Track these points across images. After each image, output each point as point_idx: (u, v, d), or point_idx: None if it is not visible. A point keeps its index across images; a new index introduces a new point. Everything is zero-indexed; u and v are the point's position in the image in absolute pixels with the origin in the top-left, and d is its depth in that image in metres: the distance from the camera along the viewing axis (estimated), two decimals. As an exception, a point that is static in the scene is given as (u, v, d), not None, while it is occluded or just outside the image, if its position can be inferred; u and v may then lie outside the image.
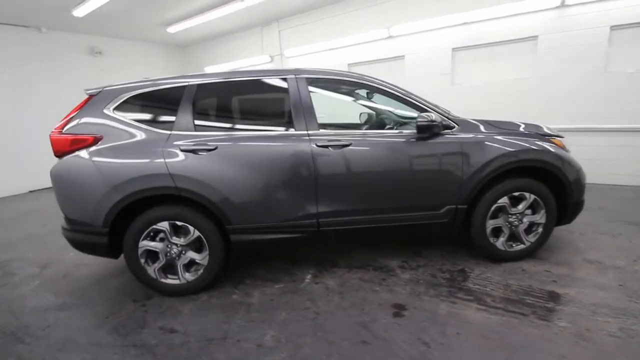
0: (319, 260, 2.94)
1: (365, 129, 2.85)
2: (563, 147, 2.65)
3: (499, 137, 2.49)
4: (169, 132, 2.34)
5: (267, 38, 7.71)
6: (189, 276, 2.44)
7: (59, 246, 3.63)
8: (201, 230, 2.36)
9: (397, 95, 2.50)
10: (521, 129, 2.64)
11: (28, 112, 6.73)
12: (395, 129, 2.65)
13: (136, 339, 2.03)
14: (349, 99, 3.17)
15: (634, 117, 4.38)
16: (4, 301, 2.59)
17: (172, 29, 7.28)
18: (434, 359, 1.76)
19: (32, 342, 2.07)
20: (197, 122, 2.38)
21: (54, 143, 2.32)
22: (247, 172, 2.32)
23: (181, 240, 2.38)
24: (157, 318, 2.24)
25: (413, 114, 2.58)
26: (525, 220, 2.62)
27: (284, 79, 2.46)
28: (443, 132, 2.45)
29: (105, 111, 2.36)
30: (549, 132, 2.70)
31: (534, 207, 2.61)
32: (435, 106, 2.55)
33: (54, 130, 2.35)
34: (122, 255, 2.52)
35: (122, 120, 2.34)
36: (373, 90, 2.55)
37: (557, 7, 4.56)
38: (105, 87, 2.43)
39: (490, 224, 2.59)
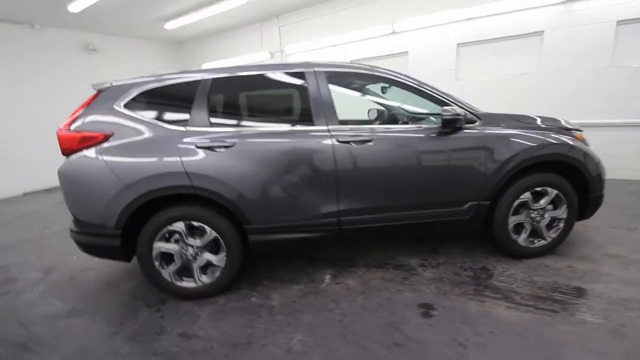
0: (335, 259, 2.86)
1: (386, 124, 2.78)
2: (584, 141, 2.62)
3: (523, 131, 2.45)
4: (183, 128, 2.23)
5: (267, 34, 7.58)
6: (205, 279, 2.34)
7: (61, 249, 3.50)
8: (218, 230, 2.26)
9: (421, 90, 2.43)
10: (538, 123, 2.60)
11: (20, 111, 6.50)
12: (414, 124, 2.59)
13: (156, 347, 1.93)
14: (368, 93, 3.09)
15: (638, 112, 4.39)
16: (8, 310, 2.46)
17: (169, 25, 7.10)
18: (473, 359, 1.70)
19: (45, 352, 1.95)
20: (212, 118, 2.28)
21: (61, 141, 2.20)
22: (266, 170, 2.23)
23: (197, 242, 2.28)
24: (175, 323, 2.14)
25: (430, 108, 2.52)
26: (546, 215, 2.58)
27: (302, 73, 2.37)
28: (466, 126, 2.39)
29: (115, 107, 2.24)
30: (568, 126, 2.67)
31: (555, 203, 2.58)
32: (458, 100, 2.49)
33: (61, 128, 2.23)
34: (132, 258, 2.42)
35: (133, 117, 2.23)
36: (396, 84, 2.46)
37: (562, 2, 4.55)
38: (114, 82, 2.32)
39: (513, 220, 2.54)
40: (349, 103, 2.87)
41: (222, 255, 2.31)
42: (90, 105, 2.26)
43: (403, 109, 3.13)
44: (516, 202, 2.50)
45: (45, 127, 6.73)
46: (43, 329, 2.19)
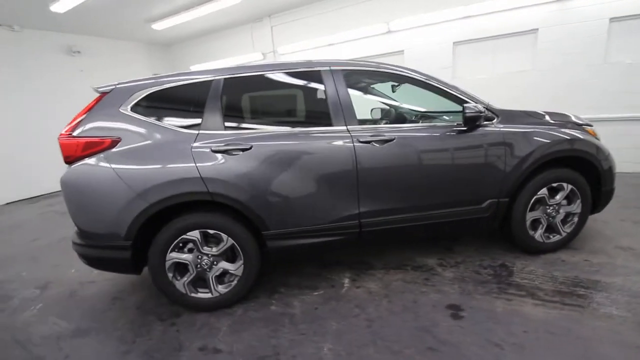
0: (350, 262, 2.79)
1: (394, 124, 2.73)
2: (595, 136, 2.64)
3: (540, 127, 2.44)
4: (196, 131, 2.12)
5: (259, 34, 7.46)
6: (221, 289, 2.23)
7: (56, 262, 3.31)
8: (235, 238, 2.15)
9: (439, 88, 2.39)
10: (546, 119, 2.60)
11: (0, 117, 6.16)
12: (425, 122, 2.55)
13: (177, 364, 1.81)
14: (374, 92, 3.03)
15: (632, 106, 4.52)
16: (5, 329, 2.28)
17: (157, 26, 6.88)
18: (511, 361, 1.66)
19: (54, 376, 1.80)
20: (226, 119, 2.17)
21: (63, 148, 2.04)
22: (285, 173, 2.14)
23: (213, 250, 2.17)
24: (194, 338, 2.02)
25: (448, 107, 2.49)
26: (561, 210, 2.59)
27: (318, 72, 2.29)
28: (485, 123, 2.36)
29: (121, 110, 2.10)
30: (578, 121, 2.69)
31: (569, 197, 2.59)
32: (476, 97, 2.46)
33: (62, 134, 2.07)
34: (142, 270, 2.29)
35: (141, 120, 2.10)
36: (417, 83, 2.41)
37: (556, 0, 4.63)
38: (118, 84, 2.18)
39: (530, 216, 2.54)
40: (362, 102, 2.82)
41: (239, 263, 2.21)
42: (93, 109, 2.12)
43: (412, 107, 3.10)
44: (534, 198, 2.50)
45: (27, 134, 6.43)
46: (46, 351, 2.03)
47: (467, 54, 5.51)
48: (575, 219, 2.63)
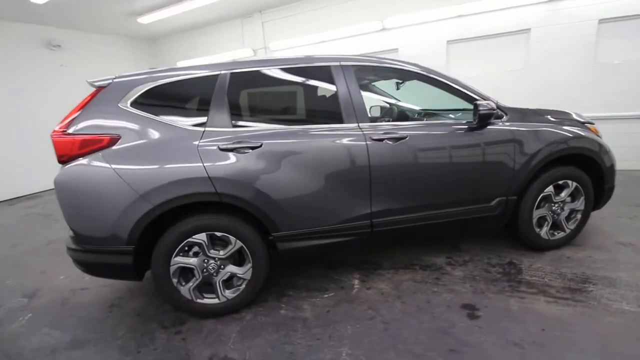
0: (358, 263, 2.74)
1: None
2: (597, 133, 2.68)
3: (548, 125, 2.45)
4: (201, 128, 2.01)
5: (249, 30, 7.29)
6: (229, 293, 2.13)
7: (42, 268, 3.11)
8: (244, 240, 2.06)
9: (451, 85, 2.36)
10: (553, 116, 2.62)
11: (-27, 114, 5.78)
12: (434, 119, 2.53)
13: (188, 375, 1.71)
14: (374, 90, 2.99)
15: (619, 105, 4.66)
16: (-8, 344, 2.10)
17: (144, 19, 6.62)
18: (533, 359, 1.65)
19: (53, 394, 1.67)
20: (234, 116, 2.07)
21: (57, 146, 1.89)
22: (297, 172, 2.05)
23: (220, 253, 2.06)
24: (202, 346, 1.92)
25: (458, 104, 2.47)
26: (566, 208, 2.62)
27: (328, 67, 2.22)
28: (495, 121, 2.35)
29: (120, 106, 1.97)
30: (580, 119, 2.72)
31: (573, 195, 2.62)
32: (485, 95, 2.44)
33: (56, 131, 1.92)
34: (143, 276, 2.16)
35: (143, 117, 1.97)
36: (426, 80, 2.37)
37: (548, 1, 4.72)
38: (115, 78, 2.04)
39: (537, 214, 2.55)
40: (367, 100, 2.76)
41: (248, 266, 2.11)
42: (89, 105, 1.97)
43: (414, 104, 3.07)
44: (540, 196, 2.51)
45: (2, 132, 6.06)
46: (42, 365, 1.88)
47: (461, 53, 5.56)
48: (579, 216, 2.67)
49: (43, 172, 6.48)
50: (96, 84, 2.01)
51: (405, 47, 5.88)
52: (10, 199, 6.19)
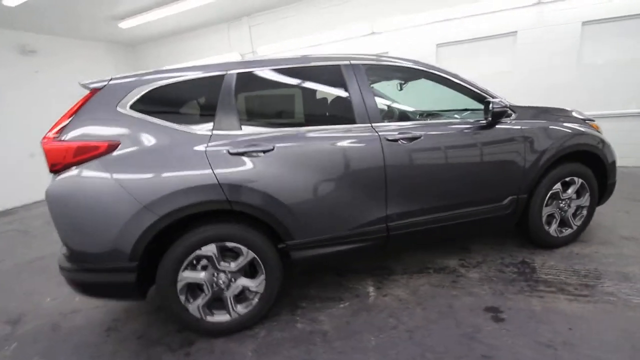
0: (369, 269, 2.65)
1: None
2: (598, 130, 2.72)
3: (556, 123, 2.47)
4: (209, 132, 1.87)
5: (236, 34, 7.16)
6: (241, 309, 1.99)
7: (26, 290, 2.85)
8: (256, 250, 1.93)
9: (461, 85, 2.33)
10: (563, 114, 2.65)
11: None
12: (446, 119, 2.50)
13: (206, 403, 1.55)
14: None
15: (603, 104, 4.82)
16: (-27, 380, 1.87)
17: (125, 24, 6.36)
18: (568, 363, 1.60)
19: None
20: (242, 118, 1.95)
21: (49, 154, 1.71)
22: (311, 175, 1.95)
23: (231, 266, 1.92)
24: (216, 368, 1.77)
25: (467, 104, 2.44)
26: (572, 204, 2.64)
27: (338, 66, 2.14)
28: (504, 120, 2.34)
29: (119, 109, 1.81)
30: (579, 116, 2.76)
31: (578, 191, 2.64)
32: (494, 94, 2.43)
33: (47, 137, 1.74)
34: (147, 295, 1.98)
35: (144, 120, 1.82)
36: (435, 78, 2.33)
37: (534, 4, 4.86)
38: (112, 79, 1.88)
39: (545, 211, 2.55)
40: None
41: (261, 278, 1.98)
42: (83, 109, 1.80)
43: (414, 105, 3.03)
44: (549, 193, 2.51)
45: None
46: (35, 401, 1.67)
47: (450, 56, 5.63)
48: (584, 212, 2.69)
49: (17, 186, 6.08)
50: (91, 85, 1.84)
51: (395, 50, 5.90)
52: (-19, 215, 5.74)
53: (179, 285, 1.85)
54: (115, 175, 1.71)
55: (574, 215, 2.68)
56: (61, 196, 1.71)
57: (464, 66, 5.54)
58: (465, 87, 2.34)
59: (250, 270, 2.00)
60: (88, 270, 1.79)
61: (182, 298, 1.87)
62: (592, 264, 2.42)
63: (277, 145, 1.90)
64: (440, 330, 1.89)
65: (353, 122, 2.09)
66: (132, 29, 6.76)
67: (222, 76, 1.95)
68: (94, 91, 1.84)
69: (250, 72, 2.02)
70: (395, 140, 2.08)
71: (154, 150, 1.79)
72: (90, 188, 1.71)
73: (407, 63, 2.30)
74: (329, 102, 2.26)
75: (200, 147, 1.82)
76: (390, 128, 2.11)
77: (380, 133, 2.07)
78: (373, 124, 2.09)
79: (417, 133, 2.13)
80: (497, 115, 2.18)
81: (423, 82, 2.61)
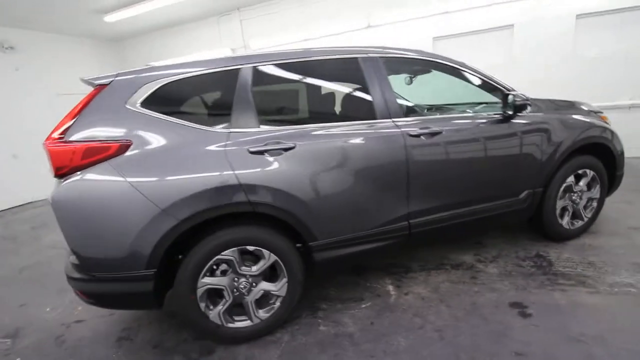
0: (384, 267, 2.60)
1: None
2: (606, 121, 2.74)
3: (571, 115, 2.46)
4: (226, 130, 1.77)
5: (226, 28, 6.95)
6: (262, 313, 1.90)
7: (20, 301, 2.68)
8: (278, 253, 1.85)
9: (481, 78, 2.30)
10: (575, 106, 2.66)
11: None
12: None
13: (238, 416, 1.47)
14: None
15: (597, 96, 4.89)
16: (-25, 402, 1.73)
17: (110, 18, 6.07)
18: (601, 355, 1.59)
19: None
20: (260, 115, 1.85)
21: (54, 157, 1.57)
22: (333, 173, 1.88)
23: (252, 270, 1.83)
24: (242, 378, 1.68)
25: (485, 97, 2.41)
26: (584, 196, 2.65)
27: (355, 59, 2.06)
28: (520, 113, 2.31)
29: (128, 107, 1.68)
30: (587, 108, 2.77)
31: (589, 183, 2.66)
32: (510, 87, 2.41)
33: (52, 138, 1.60)
34: (163, 303, 1.87)
35: (156, 119, 1.70)
36: (454, 72, 2.29)
37: (530, -3, 4.89)
38: (118, 74, 1.75)
39: (560, 204, 2.56)
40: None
41: (283, 281, 1.90)
42: (89, 107, 1.66)
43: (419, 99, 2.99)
44: (563, 186, 2.52)
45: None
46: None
47: (447, 49, 5.60)
48: (595, 204, 2.71)
49: (0, 188, 5.77)
50: (96, 82, 1.71)
51: (391, 43, 5.83)
52: (-39, 222, 5.41)
53: (199, 291, 1.75)
54: (130, 178, 1.59)
55: (585, 207, 2.70)
56: (70, 202, 1.57)
57: (461, 59, 5.55)
58: (486, 81, 2.31)
59: (269, 274, 1.92)
60: (101, 280, 1.67)
61: (202, 305, 1.77)
62: (606, 256, 2.44)
63: (298, 142, 1.81)
64: (470, 329, 1.86)
65: (374, 117, 2.02)
66: (118, 23, 6.47)
67: (237, 70, 1.85)
68: (99, 88, 1.70)
69: (267, 66, 1.92)
70: (417, 136, 2.02)
71: (168, 150, 1.67)
72: (103, 192, 1.58)
73: (427, 57, 2.24)
74: (348, 96, 2.18)
75: (219, 146, 1.72)
76: (411, 123, 2.06)
77: (402, 129, 2.00)
78: (394, 120, 2.03)
79: (438, 128, 2.08)
80: (519, 108, 2.16)
81: (431, 76, 2.57)
